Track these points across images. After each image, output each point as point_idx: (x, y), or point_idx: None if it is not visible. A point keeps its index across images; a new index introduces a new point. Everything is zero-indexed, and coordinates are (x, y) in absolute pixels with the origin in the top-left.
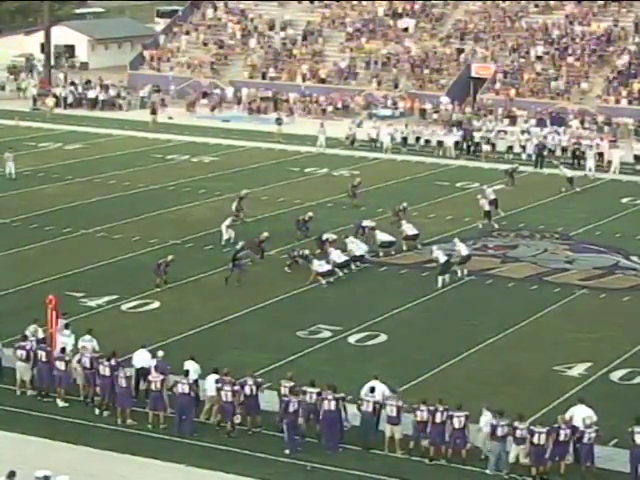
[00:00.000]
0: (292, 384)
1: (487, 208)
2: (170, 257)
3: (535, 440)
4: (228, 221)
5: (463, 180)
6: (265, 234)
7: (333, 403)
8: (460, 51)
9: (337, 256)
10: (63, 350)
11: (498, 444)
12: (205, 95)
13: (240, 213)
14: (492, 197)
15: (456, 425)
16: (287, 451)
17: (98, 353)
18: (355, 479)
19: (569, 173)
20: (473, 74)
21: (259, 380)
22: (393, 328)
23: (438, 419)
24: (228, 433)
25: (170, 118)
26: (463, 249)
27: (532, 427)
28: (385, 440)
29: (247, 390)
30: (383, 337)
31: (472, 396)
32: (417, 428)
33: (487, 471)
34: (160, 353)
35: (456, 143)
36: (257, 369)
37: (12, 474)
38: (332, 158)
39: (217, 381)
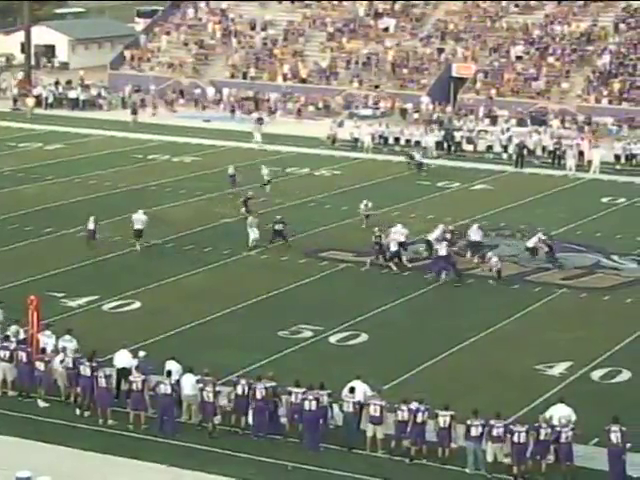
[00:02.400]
0: (274, 384)
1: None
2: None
3: (515, 439)
4: (250, 220)
5: (444, 180)
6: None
7: (314, 403)
8: (441, 51)
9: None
10: (43, 351)
11: (472, 443)
12: (183, 94)
13: (252, 214)
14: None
15: (441, 424)
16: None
17: (79, 353)
18: (336, 479)
19: (417, 157)
20: (454, 74)
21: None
22: (374, 328)
23: (419, 419)
24: (209, 433)
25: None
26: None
27: (511, 426)
28: (367, 440)
29: (239, 390)
30: (364, 337)
31: (453, 395)
32: (398, 428)
33: (467, 470)
34: (141, 353)
35: (437, 143)
36: (238, 369)
37: None
38: (313, 158)
39: (198, 381)
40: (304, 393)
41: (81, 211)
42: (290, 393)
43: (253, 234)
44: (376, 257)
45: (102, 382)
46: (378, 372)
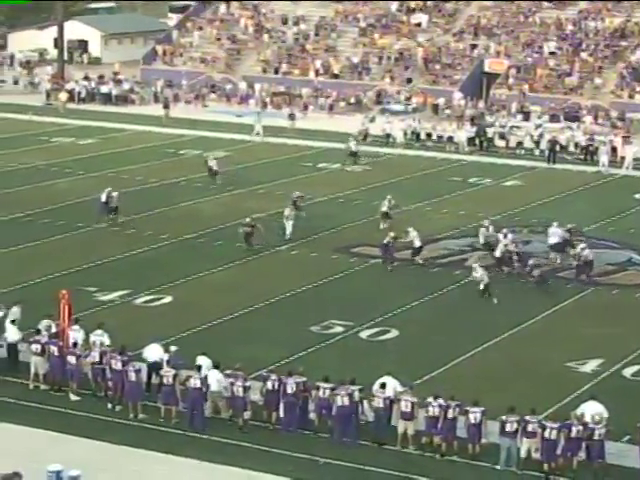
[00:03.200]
0: (304, 379)
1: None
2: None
3: (546, 435)
4: (287, 212)
5: (476, 175)
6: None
7: (346, 399)
8: (473, 46)
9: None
10: (75, 345)
11: (507, 439)
12: (214, 89)
13: (302, 213)
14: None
15: (472, 420)
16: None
17: (109, 347)
18: (367, 474)
19: (354, 147)
20: (486, 69)
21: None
22: (404, 324)
23: (450, 415)
24: (240, 428)
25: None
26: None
27: (544, 422)
28: (398, 436)
29: (270, 385)
30: (395, 333)
31: (484, 392)
32: (429, 424)
33: (497, 467)
34: (173, 348)
35: (469, 139)
36: (269, 364)
37: (14, 475)
38: (345, 153)
39: (229, 375)
40: (336, 389)
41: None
42: (318, 388)
43: (290, 227)
44: (386, 260)
45: (132, 376)
46: (408, 368)
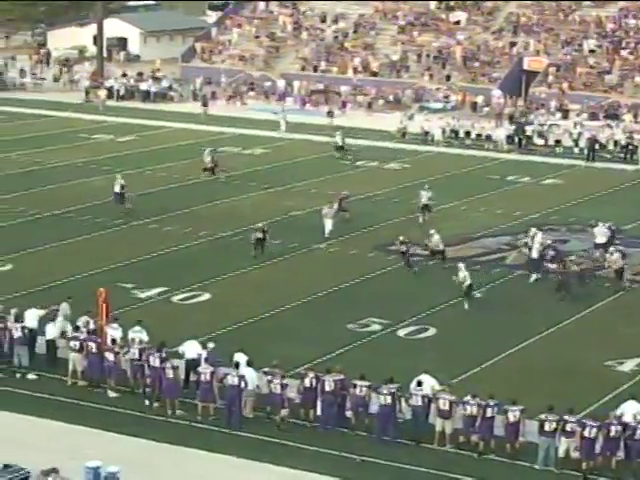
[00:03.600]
0: (342, 377)
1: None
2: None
3: (586, 434)
4: (325, 210)
5: (514, 174)
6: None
7: (389, 397)
8: (512, 44)
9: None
10: (113, 341)
11: (546, 439)
12: (253, 87)
13: (346, 213)
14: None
15: (511, 419)
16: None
17: (147, 344)
18: (405, 473)
19: (340, 141)
20: (525, 67)
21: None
22: (442, 322)
23: (489, 414)
24: (277, 426)
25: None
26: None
27: (584, 420)
28: (436, 434)
29: (307, 382)
30: (432, 331)
31: (522, 391)
32: (466, 422)
33: (535, 466)
34: (210, 345)
35: (508, 137)
36: (306, 362)
37: (51, 471)
38: (383, 151)
39: (266, 373)
40: (378, 387)
41: (151, 203)
42: (355, 386)
43: (328, 225)
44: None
45: (169, 373)
46: (446, 366)
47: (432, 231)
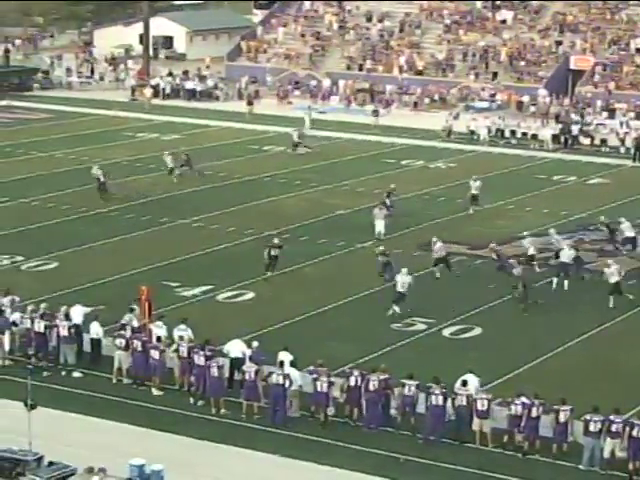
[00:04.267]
0: (387, 376)
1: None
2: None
3: (635, 433)
4: (376, 211)
5: (560, 173)
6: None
7: (441, 398)
8: (559, 43)
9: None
10: (159, 339)
11: (591, 440)
12: (298, 86)
13: (391, 208)
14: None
15: (561, 419)
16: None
17: (192, 342)
18: (448, 472)
19: (296, 138)
20: (572, 66)
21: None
22: (488, 322)
23: (534, 413)
24: (322, 424)
25: (289, 103)
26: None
27: (632, 420)
28: (476, 434)
29: (352, 381)
30: (477, 330)
31: (567, 391)
32: (511, 422)
33: (580, 466)
34: (255, 343)
35: (554, 136)
36: (350, 361)
37: (99, 470)
38: (428, 150)
39: (311, 372)
40: (430, 387)
41: (197, 201)
42: (404, 385)
43: (379, 226)
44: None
45: (214, 372)
46: (492, 366)
47: (435, 239)
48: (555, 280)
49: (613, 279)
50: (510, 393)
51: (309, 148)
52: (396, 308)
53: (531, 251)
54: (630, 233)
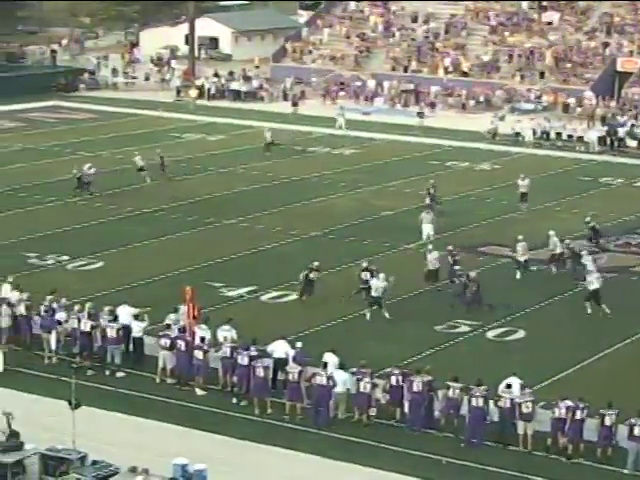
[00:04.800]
0: (431, 378)
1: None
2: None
3: None
4: (423, 215)
5: (606, 176)
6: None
7: (481, 400)
8: (605, 45)
9: None
10: (202, 339)
11: (636, 444)
12: (343, 87)
13: (433, 203)
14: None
15: (607, 423)
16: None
17: (237, 343)
18: (490, 475)
19: (269, 138)
20: (619, 68)
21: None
22: (532, 324)
23: (578, 416)
24: (364, 425)
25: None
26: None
27: None
28: (519, 437)
29: (393, 381)
30: (522, 333)
31: (611, 394)
32: (555, 425)
33: (625, 471)
34: (299, 344)
35: (600, 138)
36: (393, 363)
37: (142, 471)
38: (474, 152)
39: (355, 373)
40: (470, 389)
41: (242, 202)
42: (448, 387)
43: (427, 230)
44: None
45: (260, 372)
46: (536, 369)
47: (430, 246)
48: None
49: (592, 287)
50: (554, 396)
51: (282, 144)
52: (386, 314)
53: (558, 250)
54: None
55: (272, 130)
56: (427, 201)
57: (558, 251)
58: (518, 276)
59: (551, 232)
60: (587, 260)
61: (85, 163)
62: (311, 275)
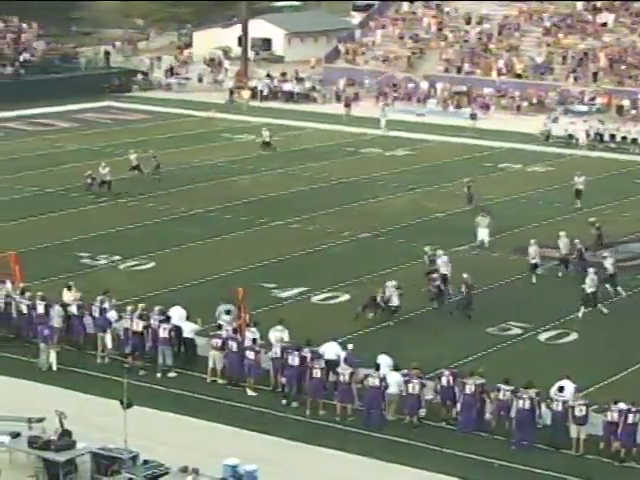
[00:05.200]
0: (483, 380)
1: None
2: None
3: None
4: (479, 219)
5: None
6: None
7: (528, 402)
8: None
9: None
10: (254, 341)
11: None
12: (395, 88)
13: (472, 201)
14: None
15: None
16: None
17: (288, 343)
18: (541, 478)
19: (267, 138)
20: None
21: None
22: (584, 327)
23: (630, 420)
24: (414, 427)
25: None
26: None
27: None
28: (572, 440)
29: (444, 381)
30: (574, 336)
31: None
32: (607, 429)
33: None
34: (350, 346)
35: None
36: (444, 365)
37: (192, 471)
38: (527, 154)
39: (405, 374)
40: (517, 392)
41: (294, 203)
42: (499, 390)
43: (482, 234)
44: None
45: (317, 373)
46: (588, 372)
47: (440, 251)
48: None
49: (589, 290)
50: (607, 399)
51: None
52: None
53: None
54: None
55: (271, 129)
56: (470, 202)
57: (564, 252)
58: (560, 274)
59: (562, 232)
60: (608, 263)
61: (101, 164)
62: (380, 297)
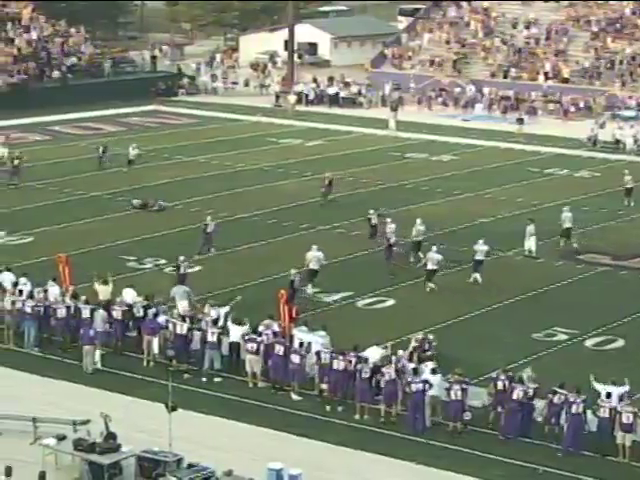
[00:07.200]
0: (534, 386)
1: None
2: None
3: None
4: (530, 228)
5: None
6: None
7: (580, 408)
8: None
9: None
10: (300, 345)
11: None
12: (442, 93)
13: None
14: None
15: None
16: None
17: (331, 348)
18: None
19: (131, 155)
20: None
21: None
22: (632, 333)
23: None
24: (458, 433)
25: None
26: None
27: None
28: (618, 447)
29: (500, 385)
30: (621, 342)
31: None
32: None
33: None
34: (389, 350)
35: None
36: (490, 371)
37: (230, 472)
38: (573, 159)
39: (447, 380)
40: (569, 398)
41: (338, 208)
42: (555, 393)
43: (528, 243)
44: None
45: (365, 377)
46: (635, 378)
47: (434, 247)
48: None
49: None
50: None
51: None
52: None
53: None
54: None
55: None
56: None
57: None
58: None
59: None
60: None
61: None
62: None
